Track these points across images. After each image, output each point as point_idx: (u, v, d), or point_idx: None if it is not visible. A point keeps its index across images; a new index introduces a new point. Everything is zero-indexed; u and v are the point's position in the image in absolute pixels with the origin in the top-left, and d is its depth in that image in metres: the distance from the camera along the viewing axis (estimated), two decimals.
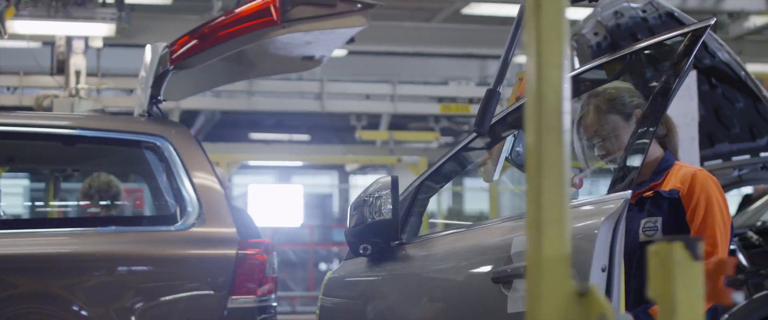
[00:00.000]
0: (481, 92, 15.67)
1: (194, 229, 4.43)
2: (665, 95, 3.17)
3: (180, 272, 4.38)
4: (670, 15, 5.27)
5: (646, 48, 3.47)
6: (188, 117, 19.95)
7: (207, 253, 4.43)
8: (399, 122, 17.11)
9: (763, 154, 5.49)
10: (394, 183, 3.52)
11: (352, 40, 5.04)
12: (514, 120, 3.72)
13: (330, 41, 5.05)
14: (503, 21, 15.33)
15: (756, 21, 14.40)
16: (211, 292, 4.35)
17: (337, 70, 18.55)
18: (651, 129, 3.18)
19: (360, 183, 26.46)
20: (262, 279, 4.42)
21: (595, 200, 3.12)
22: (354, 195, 26.80)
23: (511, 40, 3.54)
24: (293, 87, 16.31)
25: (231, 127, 20.26)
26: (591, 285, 1.60)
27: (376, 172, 25.69)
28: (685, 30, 3.28)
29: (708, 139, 5.75)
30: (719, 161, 5.79)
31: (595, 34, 5.74)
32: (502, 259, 3.24)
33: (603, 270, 2.96)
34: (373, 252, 3.63)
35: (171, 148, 4.59)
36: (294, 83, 16.38)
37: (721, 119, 5.53)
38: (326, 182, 26.34)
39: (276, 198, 16.35)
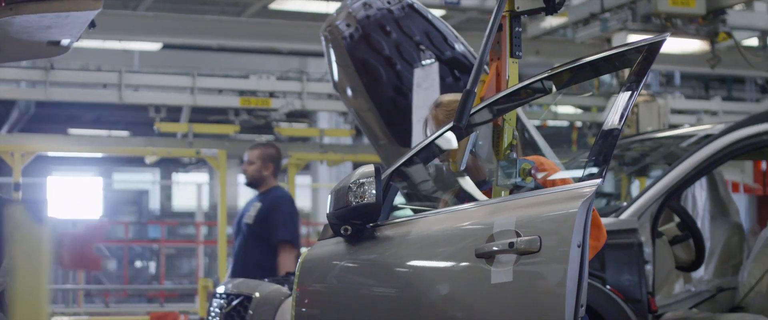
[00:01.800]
0: (282, 86, 15.80)
1: None
2: (630, 98, 3.58)
3: None
4: (411, 6, 5.35)
5: (600, 59, 3.84)
6: (4, 110, 19.35)
7: None
8: (200, 115, 16.95)
9: None
10: (377, 170, 3.88)
11: (93, 25, 4.91)
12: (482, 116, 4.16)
13: (70, 25, 4.90)
14: (311, 17, 15.41)
15: (552, 21, 14.79)
16: None
17: (151, 63, 18.27)
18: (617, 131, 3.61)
19: (182, 180, 26.20)
20: None
21: (573, 187, 3.57)
22: (179, 191, 26.89)
23: (485, 43, 4.11)
24: (92, 78, 15.91)
25: (48, 122, 19.72)
26: None
27: (198, 171, 25.47)
28: (642, 43, 3.66)
29: None
30: None
31: (347, 25, 5.78)
32: (484, 237, 3.61)
33: (578, 246, 3.42)
34: (353, 232, 3.96)
35: None
36: (93, 74, 16.00)
37: None
38: (148, 179, 25.94)
39: (75, 191, 15.95)
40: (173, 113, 16.84)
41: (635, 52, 3.67)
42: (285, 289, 5.21)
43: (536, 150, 5.13)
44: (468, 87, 3.87)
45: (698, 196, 6.64)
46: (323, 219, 20.42)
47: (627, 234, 5.10)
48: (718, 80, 20.83)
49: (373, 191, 3.84)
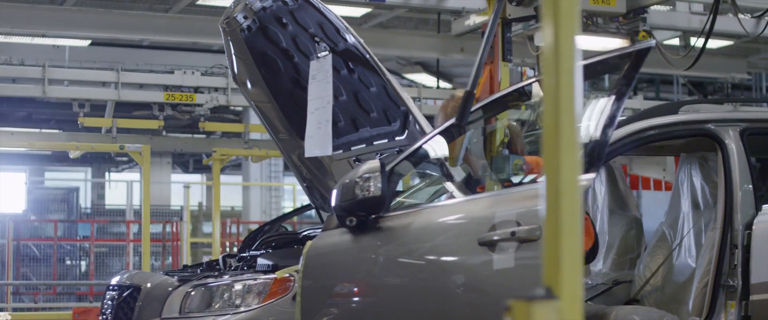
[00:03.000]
0: (206, 82, 15.76)
1: None
2: (620, 100, 3.90)
3: None
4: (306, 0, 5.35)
5: (589, 65, 4.17)
6: None
7: None
8: (124, 110, 16.83)
9: (398, 138, 5.64)
10: (383, 165, 4.15)
11: None
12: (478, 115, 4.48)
13: None
14: None
15: (476, 19, 14.85)
16: None
17: (80, 59, 18.08)
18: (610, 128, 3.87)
19: (113, 178, 26.00)
20: None
21: None
22: (112, 189, 26.72)
23: (484, 45, 4.43)
24: (15, 72, 15.74)
25: None
26: None
27: (131, 170, 25.29)
28: (631, 49, 4.02)
29: (352, 124, 5.86)
30: (363, 146, 5.92)
31: (245, 17, 5.77)
32: (486, 227, 3.84)
33: None
34: (358, 223, 4.18)
35: None
36: (16, 68, 15.84)
37: (361, 103, 5.65)
38: (81, 177, 25.72)
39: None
40: (100, 110, 16.72)
41: (624, 58, 4.03)
42: (173, 280, 5.19)
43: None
44: (468, 88, 4.17)
45: (597, 190, 6.69)
46: (254, 218, 20.42)
47: None
48: (647, 81, 21.09)
49: (379, 184, 4.09)
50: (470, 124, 4.44)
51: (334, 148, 6.13)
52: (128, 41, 17.74)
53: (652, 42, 4.24)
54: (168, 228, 19.14)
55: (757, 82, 19.13)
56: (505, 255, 3.81)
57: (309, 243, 4.43)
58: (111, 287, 5.53)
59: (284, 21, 5.56)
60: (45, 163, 24.70)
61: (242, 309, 4.86)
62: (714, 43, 16.35)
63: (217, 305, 4.93)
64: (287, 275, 4.86)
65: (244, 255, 5.56)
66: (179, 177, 24.47)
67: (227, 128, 17.18)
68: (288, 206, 21.40)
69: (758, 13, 13.45)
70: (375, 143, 5.82)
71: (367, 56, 5.05)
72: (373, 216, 4.19)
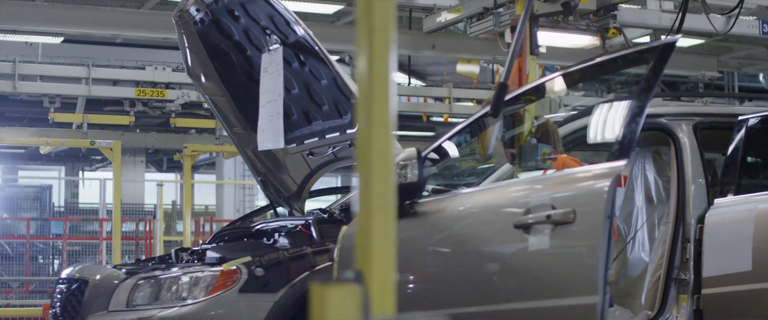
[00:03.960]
0: (178, 77, 15.69)
1: None
2: (648, 91, 4.15)
3: None
4: None
5: (616, 58, 4.52)
6: None
7: None
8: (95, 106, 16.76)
9: (349, 132, 5.63)
10: (419, 153, 4.29)
11: None
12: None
13: None
14: None
15: (447, 16, 14.86)
16: None
17: (52, 55, 17.98)
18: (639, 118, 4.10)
19: (89, 176, 25.87)
20: None
21: (601, 166, 4.10)
22: (86, 188, 26.60)
23: (516, 39, 4.68)
24: None
25: None
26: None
27: (105, 169, 25.17)
28: (656, 44, 4.28)
29: (305, 117, 5.85)
30: (316, 139, 5.91)
31: (197, 10, 5.75)
32: (521, 211, 4.10)
33: (608, 218, 3.91)
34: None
35: None
36: None
37: (313, 96, 5.64)
38: (54, 175, 25.61)
39: None
40: (72, 107, 16.65)
41: (650, 52, 4.30)
42: (120, 273, 5.16)
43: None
44: (502, 80, 4.42)
45: None
46: (228, 216, 20.36)
47: None
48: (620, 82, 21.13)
49: (416, 171, 4.24)
50: (503, 114, 4.66)
51: (288, 142, 6.12)
52: (101, 38, 17.66)
53: (678, 37, 4.41)
54: (142, 227, 19.07)
55: (729, 81, 19.19)
56: (541, 237, 4.04)
57: (344, 228, 4.57)
58: (60, 280, 5.50)
59: (236, 14, 5.54)
60: (18, 162, 24.57)
61: (189, 301, 4.84)
62: (685, 42, 16.38)
63: (164, 297, 4.91)
64: (233, 267, 4.84)
65: (196, 248, 5.54)
66: (153, 176, 24.39)
67: (199, 124, 17.13)
68: (262, 204, 21.33)
69: (728, 12, 13.50)
70: (327, 136, 5.81)
71: (316, 48, 5.03)
72: (408, 201, 4.34)
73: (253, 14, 5.41)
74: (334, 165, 6.17)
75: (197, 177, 23.89)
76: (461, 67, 16.92)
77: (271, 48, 5.45)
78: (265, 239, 5.37)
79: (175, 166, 24.81)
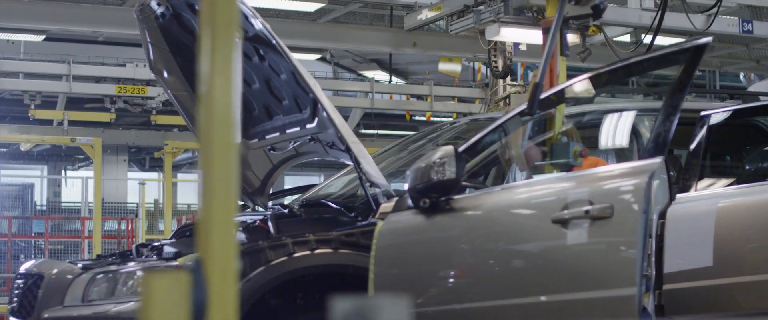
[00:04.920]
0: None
1: None
2: (682, 91, 4.38)
3: None
4: None
5: (651, 58, 4.84)
6: None
7: None
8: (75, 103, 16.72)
9: (309, 126, 5.60)
10: (457, 151, 4.44)
11: None
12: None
13: None
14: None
15: (428, 14, 14.85)
16: None
17: (35, 52, 17.94)
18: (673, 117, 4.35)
19: (71, 175, 25.82)
20: None
21: (638, 163, 4.33)
22: (70, 186, 26.62)
23: (551, 40, 5.08)
24: None
25: None
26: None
27: (88, 168, 25.13)
28: (688, 45, 4.47)
29: (266, 112, 5.82)
30: (278, 134, 5.88)
31: (158, 4, 5.71)
32: (559, 206, 4.25)
33: (644, 213, 4.15)
34: (431, 204, 4.49)
35: None
36: None
37: (273, 91, 5.61)
38: (36, 173, 25.54)
39: None
40: (53, 105, 16.61)
41: (682, 53, 4.49)
42: (76, 268, 5.13)
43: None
44: (537, 80, 4.64)
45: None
46: None
47: None
48: None
49: (453, 168, 4.41)
50: (538, 113, 4.85)
51: (250, 137, 6.09)
52: (83, 36, 17.63)
53: (709, 39, 4.53)
54: (124, 226, 19.02)
55: (710, 80, 19.21)
56: (579, 231, 4.20)
57: (380, 223, 4.70)
58: (19, 275, 5.47)
59: (196, 8, 5.50)
60: (0, 160, 24.50)
61: None
62: (666, 41, 16.39)
63: (120, 292, 4.88)
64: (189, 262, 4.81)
65: (157, 244, 5.51)
66: (136, 175, 24.34)
67: (180, 121, 17.09)
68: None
69: (707, 10, 13.51)
70: (288, 131, 5.79)
71: (274, 42, 5.00)
72: (444, 198, 4.49)
73: None
74: (295, 161, 6.14)
75: (180, 176, 23.83)
76: (443, 66, 16.92)
77: None
78: None
79: (157, 165, 24.75)
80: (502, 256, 4.43)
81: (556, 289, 4.30)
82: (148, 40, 5.91)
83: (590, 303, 4.21)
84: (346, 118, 20.51)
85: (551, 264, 4.32)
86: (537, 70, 5.68)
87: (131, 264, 5.04)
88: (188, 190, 23.30)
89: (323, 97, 5.09)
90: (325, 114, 5.10)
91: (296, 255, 4.83)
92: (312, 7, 16.11)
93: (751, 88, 13.97)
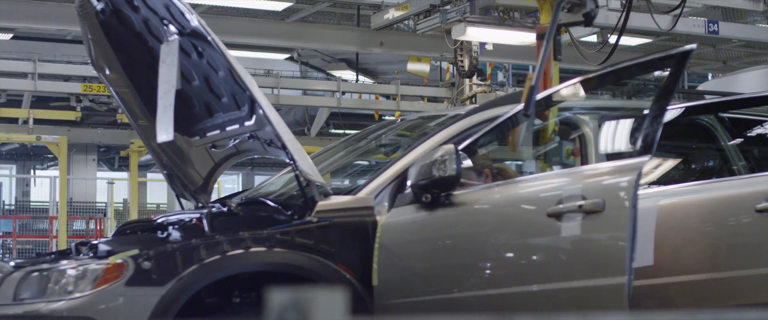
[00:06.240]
0: None
1: None
2: (668, 95, 4.62)
3: None
4: None
5: (639, 64, 5.01)
6: None
7: None
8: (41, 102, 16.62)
9: (247, 124, 5.56)
10: (458, 150, 4.72)
11: None
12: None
13: None
14: None
15: (395, 13, 14.85)
16: None
17: (4, 49, 17.82)
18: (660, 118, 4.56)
19: (40, 175, 25.70)
20: None
21: (627, 161, 4.57)
22: (40, 186, 26.59)
23: (545, 46, 5.42)
24: None
25: None
26: None
27: (57, 167, 24.97)
28: (675, 52, 4.74)
29: (206, 109, 5.78)
30: (218, 132, 5.83)
31: (98, 0, 5.66)
32: (554, 201, 4.55)
33: (633, 208, 4.41)
34: (432, 199, 4.75)
35: None
36: None
37: (212, 88, 5.56)
38: (5, 173, 25.39)
39: None
40: (19, 103, 16.50)
41: (669, 59, 4.76)
42: (7, 266, 5.06)
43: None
44: (533, 83, 4.94)
45: None
46: None
47: (361, 212, 5.05)
48: None
49: (454, 166, 4.68)
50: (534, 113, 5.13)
51: (192, 134, 6.04)
52: (51, 35, 17.53)
53: (694, 46, 4.88)
54: (92, 225, 18.92)
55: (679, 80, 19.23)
56: (573, 224, 4.50)
57: (383, 218, 4.92)
58: None
59: (135, 3, 5.45)
60: None
61: (76, 294, 4.74)
62: (633, 41, 16.42)
63: (51, 291, 4.81)
64: (120, 261, 4.75)
65: (95, 242, 5.45)
66: (105, 174, 24.21)
67: None
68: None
69: (671, 11, 13.52)
70: (228, 129, 5.74)
71: (210, 38, 4.96)
72: (445, 193, 4.75)
73: (151, 4, 5.32)
74: (237, 158, 6.10)
75: (149, 175, 23.72)
76: (412, 66, 16.91)
77: (169, 38, 5.36)
78: (160, 232, 5.29)
79: (127, 165, 24.64)
80: (500, 248, 4.72)
81: (551, 278, 4.59)
82: (89, 36, 5.86)
83: (583, 291, 4.48)
84: (312, 117, 20.50)
85: (546, 254, 4.63)
86: (532, 73, 5.99)
87: (64, 262, 4.98)
88: (158, 190, 23.18)
89: (259, 95, 5.04)
90: (261, 111, 5.05)
91: (229, 253, 4.78)
92: (280, 6, 16.07)
93: (700, 87, 14.01)
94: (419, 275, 4.87)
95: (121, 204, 20.15)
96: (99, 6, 5.66)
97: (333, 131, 20.97)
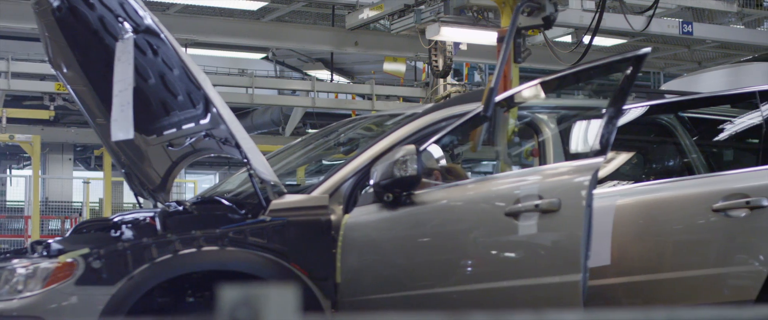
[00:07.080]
0: None
1: None
2: (623, 97, 4.71)
3: None
4: None
5: (594, 67, 5.10)
6: None
7: None
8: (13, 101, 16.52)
9: (202, 122, 5.53)
10: (418, 150, 4.79)
11: None
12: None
13: None
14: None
15: (369, 13, 14.83)
16: None
17: None
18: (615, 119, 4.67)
19: (16, 174, 25.57)
20: None
21: (582, 162, 4.67)
22: (15, 185, 26.49)
23: (504, 49, 5.56)
24: None
25: None
26: None
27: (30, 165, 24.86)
28: (630, 55, 4.83)
29: (163, 107, 5.75)
30: (174, 130, 5.80)
31: None
32: (511, 200, 4.66)
33: (588, 206, 4.52)
34: (394, 199, 4.82)
35: None
36: None
37: (168, 86, 5.53)
38: None
39: None
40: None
41: (625, 62, 4.82)
42: None
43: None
44: (492, 85, 5.03)
45: None
46: None
47: (316, 211, 5.03)
48: None
49: (415, 166, 4.75)
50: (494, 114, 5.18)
51: (149, 133, 6.01)
52: (25, 34, 17.44)
53: (648, 49, 4.96)
54: (68, 225, 18.83)
55: (654, 81, 19.28)
56: (529, 223, 4.61)
57: (347, 216, 4.97)
58: None
59: (90, 1, 5.41)
60: None
61: (26, 294, 4.71)
62: (608, 42, 16.44)
63: (2, 290, 4.78)
64: (70, 260, 4.72)
65: (50, 241, 5.40)
66: (81, 174, 24.10)
67: None
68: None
69: (644, 11, 13.55)
70: (184, 127, 5.71)
71: (163, 36, 4.92)
72: (406, 193, 4.83)
73: (107, 2, 5.29)
74: (193, 157, 6.07)
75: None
76: (388, 66, 16.90)
77: (124, 36, 5.33)
78: (113, 231, 5.26)
79: (103, 164, 24.54)
80: (459, 246, 4.80)
81: (509, 276, 4.68)
82: (46, 34, 5.82)
83: (539, 289, 4.59)
84: (288, 117, 20.45)
85: (504, 253, 4.76)
86: (492, 75, 6.00)
87: (15, 261, 4.94)
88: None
89: (213, 93, 5.01)
90: (215, 110, 5.02)
91: (181, 252, 4.75)
92: (255, 6, 16.02)
93: (662, 87, 14.04)
94: (382, 273, 4.93)
95: (98, 204, 20.07)
96: (55, 3, 5.62)
97: (309, 130, 20.95)
